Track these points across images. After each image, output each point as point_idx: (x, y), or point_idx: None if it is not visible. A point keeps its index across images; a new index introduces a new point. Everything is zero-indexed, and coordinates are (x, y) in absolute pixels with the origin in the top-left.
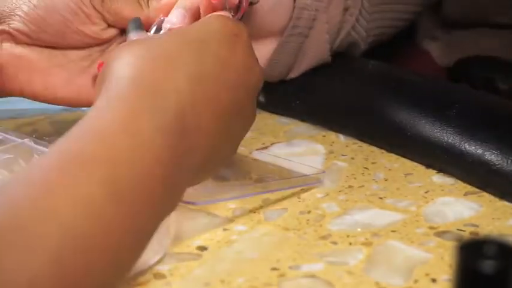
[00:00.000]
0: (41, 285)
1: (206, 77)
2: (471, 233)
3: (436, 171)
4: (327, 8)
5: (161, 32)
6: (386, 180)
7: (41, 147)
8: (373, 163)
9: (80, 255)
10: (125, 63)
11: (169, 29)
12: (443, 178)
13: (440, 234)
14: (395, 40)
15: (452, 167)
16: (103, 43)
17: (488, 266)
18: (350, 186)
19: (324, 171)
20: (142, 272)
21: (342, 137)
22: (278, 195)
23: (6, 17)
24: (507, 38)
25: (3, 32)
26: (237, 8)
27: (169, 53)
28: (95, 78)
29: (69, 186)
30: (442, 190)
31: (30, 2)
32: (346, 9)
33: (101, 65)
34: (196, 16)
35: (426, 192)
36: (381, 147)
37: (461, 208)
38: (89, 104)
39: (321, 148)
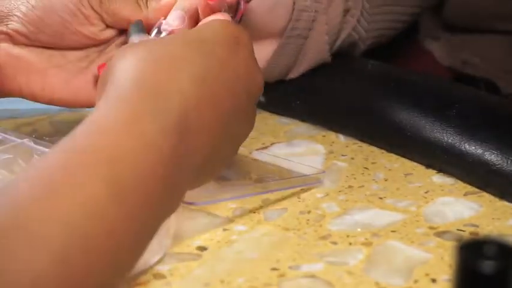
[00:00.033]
0: (45, 286)
1: (209, 78)
2: (471, 233)
3: (436, 171)
4: (326, 10)
5: (161, 34)
6: (386, 180)
7: (40, 147)
8: (373, 163)
9: (83, 256)
10: (127, 65)
11: (170, 31)
12: (443, 178)
13: (440, 234)
14: (397, 40)
15: (452, 167)
16: (101, 44)
17: (488, 266)
18: (350, 186)
19: (324, 171)
20: (142, 272)
21: (342, 137)
22: (278, 195)
23: (4, 17)
24: (507, 41)
25: (1, 32)
26: (235, 10)
27: (172, 55)
28: (95, 79)
29: (72, 186)
30: (442, 190)
31: (29, 2)
32: (347, 11)
33: (100, 66)
34: (195, 18)
35: (426, 192)
36: (380, 147)
37: (461, 208)
38: (86, 105)
39: (321, 148)
